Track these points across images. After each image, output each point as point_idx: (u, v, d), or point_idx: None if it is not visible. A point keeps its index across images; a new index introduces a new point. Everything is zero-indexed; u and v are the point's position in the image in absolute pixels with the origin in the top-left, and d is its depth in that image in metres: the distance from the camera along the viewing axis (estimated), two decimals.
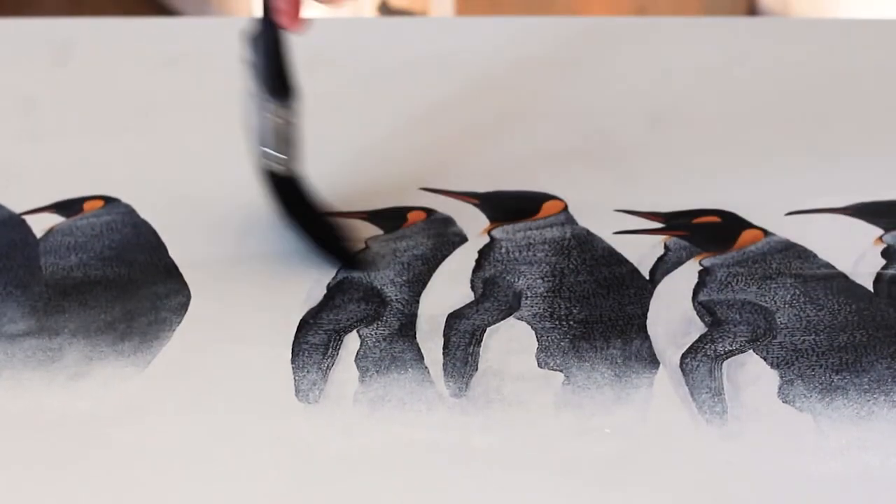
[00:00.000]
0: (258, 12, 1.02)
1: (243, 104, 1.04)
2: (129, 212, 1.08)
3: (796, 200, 1.08)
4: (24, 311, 0.98)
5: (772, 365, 0.91)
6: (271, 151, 1.03)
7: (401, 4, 2.38)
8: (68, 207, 1.09)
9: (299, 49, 1.30)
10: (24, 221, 1.07)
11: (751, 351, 0.92)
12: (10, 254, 1.04)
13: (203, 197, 1.10)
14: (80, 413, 0.89)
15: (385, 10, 2.36)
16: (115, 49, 1.35)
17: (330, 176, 1.11)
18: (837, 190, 1.09)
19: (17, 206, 1.09)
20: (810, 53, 1.31)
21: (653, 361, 0.92)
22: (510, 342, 0.94)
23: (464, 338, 0.94)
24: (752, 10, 2.30)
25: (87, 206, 1.09)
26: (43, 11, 1.65)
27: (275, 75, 1.03)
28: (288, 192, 1.04)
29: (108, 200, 1.09)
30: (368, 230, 1.05)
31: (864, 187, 1.09)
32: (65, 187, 1.11)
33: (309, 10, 1.01)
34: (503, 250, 1.01)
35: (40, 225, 1.07)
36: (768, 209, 1.06)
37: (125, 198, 1.10)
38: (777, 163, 1.14)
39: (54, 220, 1.07)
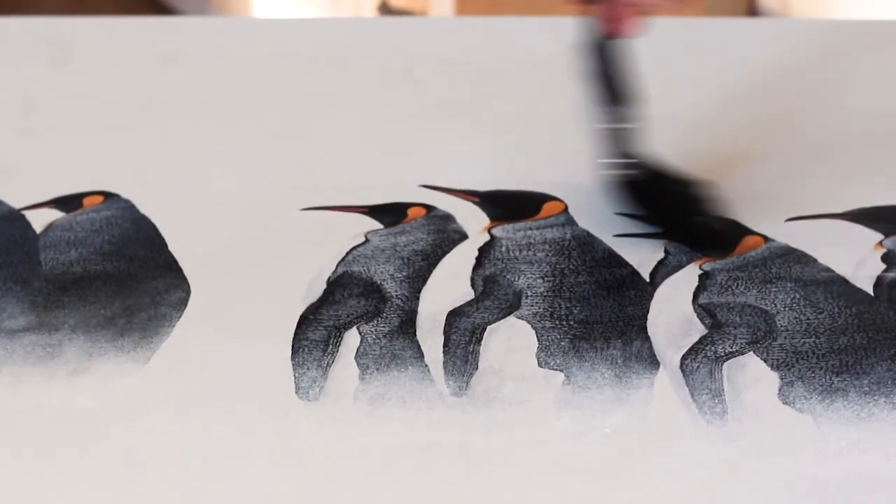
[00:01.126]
0: (588, 21, 1.02)
1: (589, 114, 1.03)
2: (129, 207, 1.08)
3: (796, 206, 1.07)
4: (24, 306, 0.98)
5: (772, 367, 0.91)
6: (621, 160, 1.02)
7: (401, 4, 2.38)
8: (68, 203, 1.09)
9: (299, 49, 1.31)
10: (23, 217, 1.07)
11: (751, 353, 0.92)
12: (9, 249, 1.03)
13: (203, 193, 1.10)
14: (79, 409, 0.89)
15: (385, 10, 2.36)
16: (115, 48, 1.35)
17: (330, 173, 1.12)
18: (837, 195, 1.09)
19: (16, 202, 1.09)
20: (810, 54, 1.31)
21: (653, 362, 0.92)
22: (510, 341, 0.94)
23: (464, 336, 0.93)
24: (752, 11, 2.30)
25: (86, 201, 1.09)
26: (43, 11, 1.65)
27: (614, 83, 1.02)
28: (652, 193, 1.03)
29: (107, 196, 1.09)
30: (367, 224, 1.06)
31: (863, 192, 1.09)
32: (65, 184, 1.11)
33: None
34: (503, 248, 1.01)
35: (40, 220, 1.07)
36: (768, 215, 1.06)
37: (125, 194, 1.10)
38: (777, 167, 1.14)
39: (54, 215, 1.07)
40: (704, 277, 0.98)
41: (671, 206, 1.03)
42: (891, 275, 0.99)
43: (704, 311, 0.95)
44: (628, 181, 1.03)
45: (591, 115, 1.02)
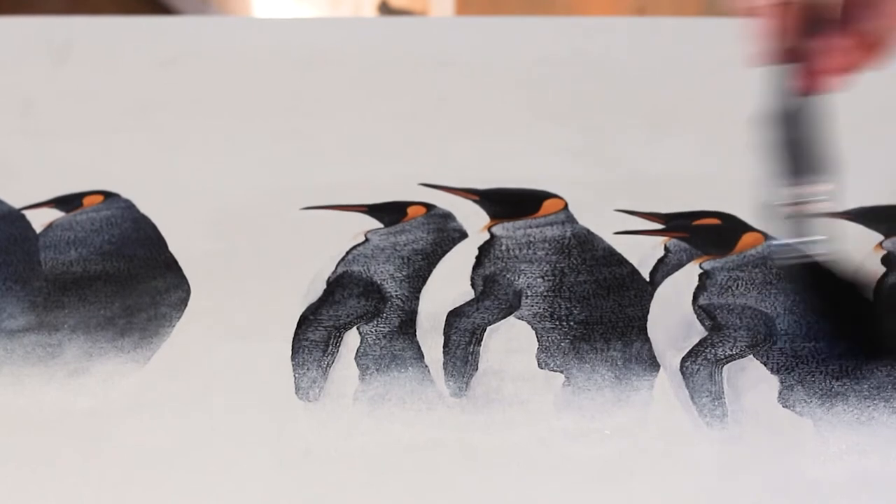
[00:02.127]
0: (778, 83, 0.89)
1: (768, 189, 0.88)
2: (129, 207, 1.08)
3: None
4: (24, 306, 0.98)
5: (772, 370, 0.91)
6: (810, 239, 0.86)
7: (401, 4, 2.38)
8: (68, 202, 1.09)
9: (299, 48, 1.31)
10: (23, 216, 1.07)
11: (751, 356, 0.92)
12: (9, 249, 1.03)
13: (203, 192, 1.10)
14: (79, 409, 0.89)
15: (385, 10, 2.37)
16: (115, 48, 1.35)
17: (330, 173, 1.12)
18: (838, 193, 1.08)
19: (16, 202, 1.09)
20: None
21: (653, 364, 0.92)
22: (510, 342, 0.94)
23: (464, 336, 0.93)
24: None
25: (86, 201, 1.09)
26: (43, 11, 1.64)
27: (805, 150, 0.87)
28: (828, 280, 0.88)
29: (107, 195, 1.09)
30: (367, 223, 1.06)
31: (864, 191, 1.08)
32: (64, 184, 1.11)
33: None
34: (503, 247, 1.01)
35: (40, 220, 1.07)
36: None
37: (125, 193, 1.10)
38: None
39: (54, 214, 1.07)
40: (704, 277, 0.98)
41: (844, 300, 0.89)
42: (890, 279, 0.99)
43: (704, 312, 0.95)
44: (806, 265, 0.87)
45: (769, 189, 0.87)
